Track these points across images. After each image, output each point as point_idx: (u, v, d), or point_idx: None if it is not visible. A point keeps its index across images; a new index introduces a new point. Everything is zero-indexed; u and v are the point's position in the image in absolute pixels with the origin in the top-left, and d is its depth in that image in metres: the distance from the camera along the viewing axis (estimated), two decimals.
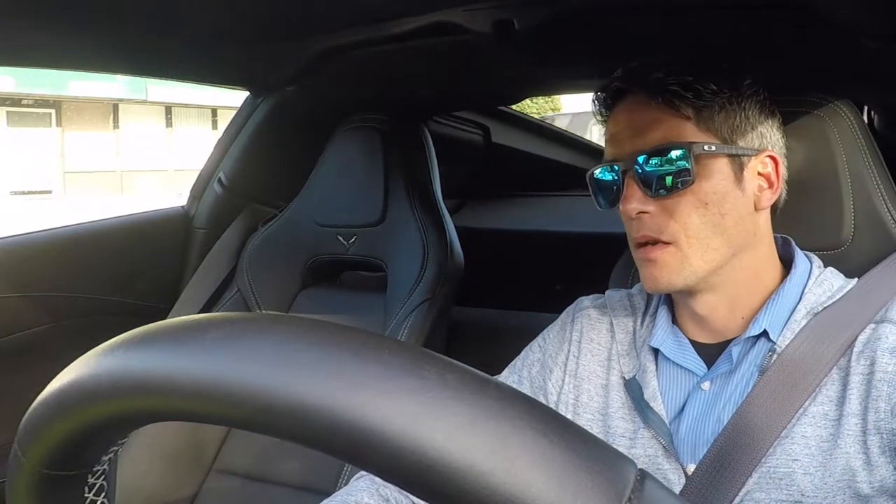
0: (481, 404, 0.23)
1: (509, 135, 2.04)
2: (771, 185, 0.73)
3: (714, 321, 0.74)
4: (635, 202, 0.71)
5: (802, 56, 1.02)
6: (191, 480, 1.34)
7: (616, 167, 0.73)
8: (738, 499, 0.65)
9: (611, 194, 0.75)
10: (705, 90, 0.70)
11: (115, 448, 0.31)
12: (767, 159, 0.73)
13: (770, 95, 0.76)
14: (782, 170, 0.74)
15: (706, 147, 0.70)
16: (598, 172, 0.76)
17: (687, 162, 0.69)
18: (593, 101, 0.79)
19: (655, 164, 0.70)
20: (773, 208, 0.76)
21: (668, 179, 0.70)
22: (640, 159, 0.71)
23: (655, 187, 0.70)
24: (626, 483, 0.22)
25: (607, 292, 0.87)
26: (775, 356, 0.69)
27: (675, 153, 0.69)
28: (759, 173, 0.73)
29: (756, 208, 0.73)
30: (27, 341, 1.30)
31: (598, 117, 0.79)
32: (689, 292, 0.73)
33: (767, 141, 0.74)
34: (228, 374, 0.24)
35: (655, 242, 0.71)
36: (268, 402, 0.23)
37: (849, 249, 0.81)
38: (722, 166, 0.71)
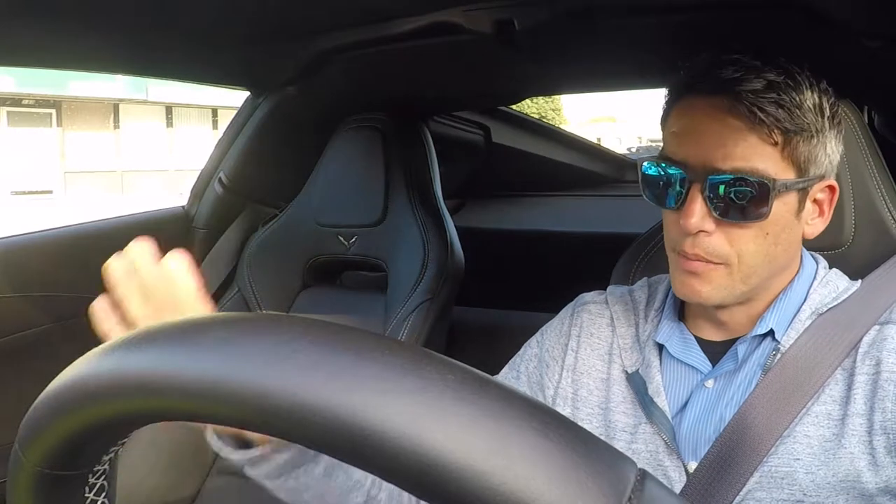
0: (482, 404, 0.23)
1: (509, 135, 2.04)
2: (822, 214, 0.71)
3: (725, 321, 0.74)
4: (698, 218, 0.65)
5: (802, 56, 1.02)
6: (191, 480, 1.34)
7: (684, 174, 0.67)
8: (739, 497, 0.65)
9: (668, 197, 0.69)
10: (797, 115, 0.65)
11: (116, 448, 0.31)
12: (826, 188, 0.70)
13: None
14: (836, 198, 0.71)
15: (787, 184, 0.65)
16: (659, 170, 0.70)
17: (769, 198, 0.64)
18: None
19: (733, 189, 0.64)
20: None
21: (743, 209, 0.65)
22: (717, 178, 0.65)
23: (725, 211, 0.65)
24: (626, 483, 0.22)
25: (609, 288, 0.86)
26: (779, 356, 0.69)
27: (757, 185, 0.64)
28: (815, 200, 0.70)
29: (804, 236, 0.71)
30: (27, 341, 1.30)
31: (668, 98, 0.73)
32: (721, 305, 0.71)
33: (832, 168, 0.70)
34: (229, 374, 0.24)
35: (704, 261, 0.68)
36: (268, 403, 0.23)
37: (849, 249, 0.81)
38: (791, 199, 0.67)
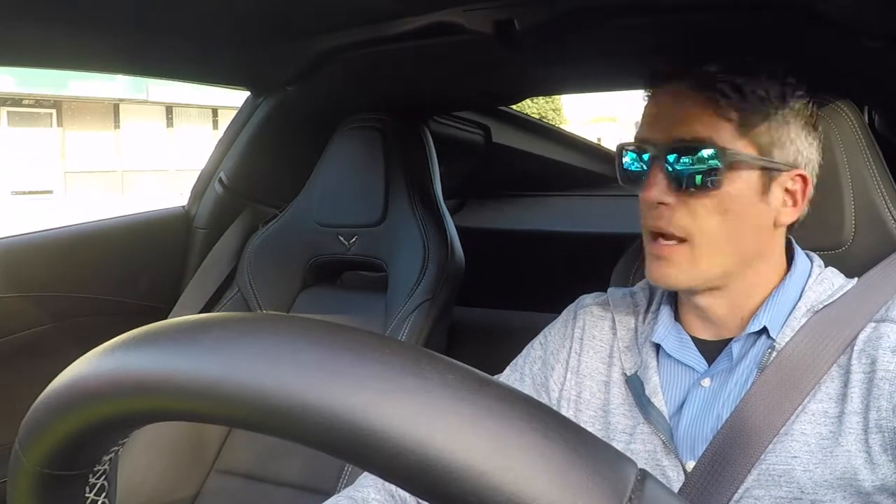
0: (482, 404, 0.23)
1: (509, 135, 2.04)
2: (795, 204, 0.72)
3: (714, 316, 0.74)
4: (657, 191, 0.69)
5: (802, 56, 1.02)
6: (191, 480, 1.34)
7: (647, 151, 0.72)
8: (737, 496, 0.65)
9: (634, 176, 0.74)
10: (753, 95, 0.69)
11: (116, 448, 0.31)
12: (798, 177, 0.71)
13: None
14: (810, 190, 0.72)
15: (740, 156, 0.68)
16: (627, 150, 0.75)
17: (718, 166, 0.68)
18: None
19: (686, 159, 0.68)
20: (792, 223, 0.74)
21: (696, 179, 0.68)
22: (672, 150, 0.69)
23: (680, 182, 0.69)
24: (626, 483, 0.22)
25: (609, 289, 0.87)
26: (774, 353, 0.69)
27: (707, 154, 0.68)
28: (787, 189, 0.71)
29: (775, 224, 0.72)
30: (27, 341, 1.30)
31: (645, 94, 0.77)
32: (692, 290, 0.73)
33: (803, 158, 0.72)
34: (229, 374, 0.24)
35: (668, 237, 0.70)
36: (268, 402, 0.23)
37: (850, 249, 0.81)
38: (751, 176, 0.69)
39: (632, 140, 0.75)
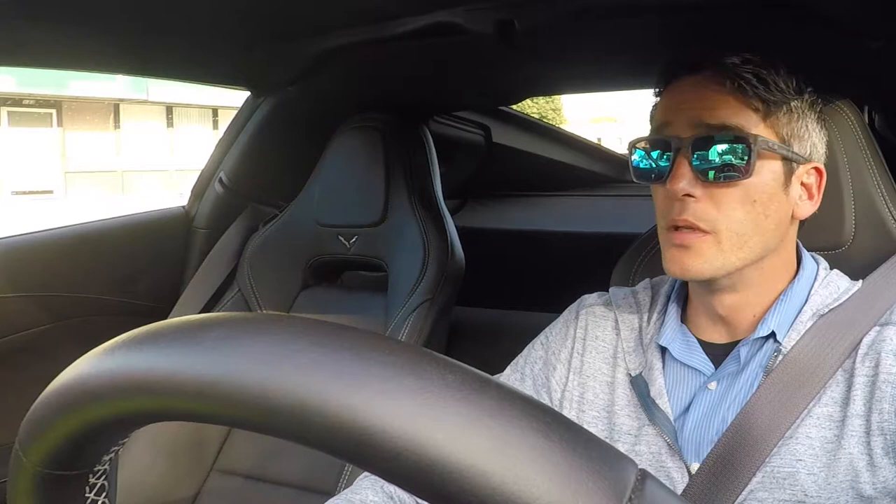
0: (482, 404, 0.23)
1: (509, 135, 2.04)
2: (811, 197, 0.73)
3: (727, 318, 0.74)
4: (685, 182, 0.67)
5: (803, 56, 1.02)
6: (191, 480, 1.34)
7: (670, 142, 0.70)
8: (741, 498, 0.65)
9: (656, 169, 0.72)
10: (776, 86, 0.69)
11: (116, 448, 0.31)
12: (813, 170, 0.72)
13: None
14: (824, 183, 0.73)
15: (768, 143, 0.68)
16: (645, 144, 0.73)
17: (749, 154, 0.66)
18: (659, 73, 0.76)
19: (715, 149, 0.67)
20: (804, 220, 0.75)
21: (725, 168, 0.67)
22: (700, 140, 0.68)
23: (709, 173, 0.67)
24: (626, 483, 0.22)
25: (611, 289, 0.86)
26: (780, 357, 0.69)
27: (737, 142, 0.67)
28: (803, 183, 0.72)
29: (793, 216, 0.72)
30: (27, 341, 1.30)
31: (656, 89, 0.76)
32: (710, 286, 0.72)
33: (816, 153, 0.73)
34: (229, 374, 0.24)
35: (693, 229, 0.69)
36: (268, 402, 0.23)
37: (850, 249, 0.81)
38: (776, 166, 0.69)
39: (647, 136, 0.74)
